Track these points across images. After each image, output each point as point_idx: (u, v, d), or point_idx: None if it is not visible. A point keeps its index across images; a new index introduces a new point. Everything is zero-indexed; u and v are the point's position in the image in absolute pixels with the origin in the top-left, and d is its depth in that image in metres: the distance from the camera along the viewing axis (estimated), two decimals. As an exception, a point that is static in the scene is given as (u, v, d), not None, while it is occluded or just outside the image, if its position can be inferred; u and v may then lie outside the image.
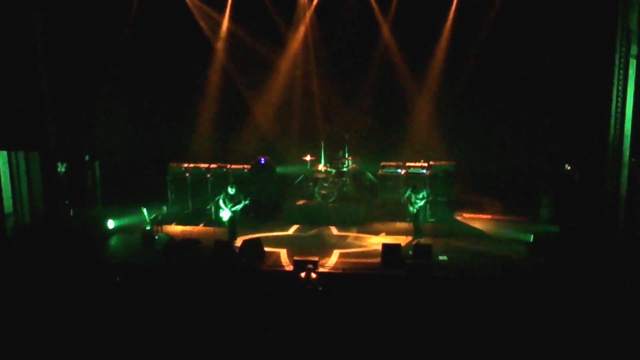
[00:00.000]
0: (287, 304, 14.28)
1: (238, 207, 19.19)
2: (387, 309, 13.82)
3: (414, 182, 20.09)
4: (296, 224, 21.04)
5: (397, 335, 12.56)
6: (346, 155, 22.49)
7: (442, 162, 21.69)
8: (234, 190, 19.23)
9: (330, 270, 16.98)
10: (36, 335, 12.66)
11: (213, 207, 20.32)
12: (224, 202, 19.14)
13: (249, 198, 19.46)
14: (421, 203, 19.26)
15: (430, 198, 19.88)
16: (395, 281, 16.12)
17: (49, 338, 12.58)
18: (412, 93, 23.74)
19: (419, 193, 19.23)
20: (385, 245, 17.80)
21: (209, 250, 17.97)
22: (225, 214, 19.15)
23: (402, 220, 20.39)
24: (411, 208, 19.31)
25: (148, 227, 19.28)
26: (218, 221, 19.73)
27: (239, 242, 18.70)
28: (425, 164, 21.76)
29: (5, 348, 12.26)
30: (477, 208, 22.33)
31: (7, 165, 19.03)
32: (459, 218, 21.36)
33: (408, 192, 19.38)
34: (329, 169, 21.94)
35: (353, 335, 12.56)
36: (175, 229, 20.63)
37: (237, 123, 24.25)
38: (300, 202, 21.90)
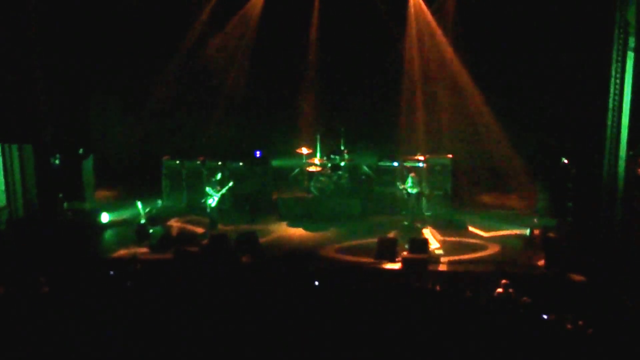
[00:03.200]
0: (285, 298, 14.19)
1: (223, 190, 19.75)
2: (382, 303, 13.76)
3: (412, 171, 20.49)
4: (291, 218, 20.96)
5: (391, 330, 12.50)
6: (342, 148, 22.37)
7: (439, 156, 21.64)
8: (219, 176, 19.91)
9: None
10: (29, 330, 12.55)
11: (207, 201, 20.29)
12: (213, 190, 19.67)
13: (232, 180, 20.10)
14: (412, 191, 19.75)
15: (427, 192, 19.98)
16: (390, 275, 16.09)
17: (42, 332, 12.47)
18: (410, 87, 23.70)
19: (412, 181, 19.86)
20: (380, 239, 17.79)
21: (204, 245, 17.93)
22: (212, 201, 19.51)
23: (399, 213, 20.48)
24: (405, 194, 19.93)
25: (142, 221, 19.19)
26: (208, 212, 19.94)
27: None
28: (422, 158, 21.68)
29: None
30: (474, 200, 22.27)
31: (0, 158, 18.93)
32: (455, 211, 21.30)
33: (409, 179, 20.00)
34: (324, 163, 21.85)
35: (347, 329, 12.50)
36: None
37: (234, 116, 24.14)
38: (285, 195, 21.91)
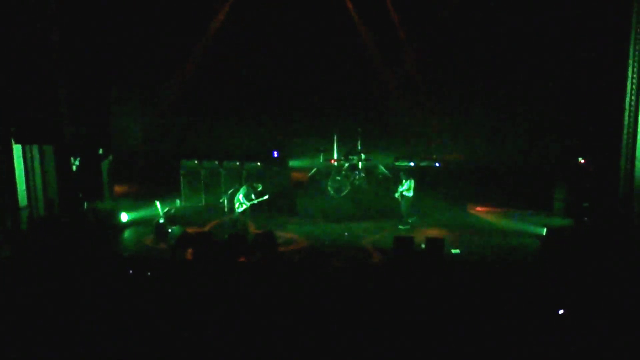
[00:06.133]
0: (299, 295, 14.31)
1: (255, 200, 19.27)
2: (396, 301, 13.84)
3: (402, 172, 20.43)
4: (309, 217, 21.04)
5: (406, 327, 12.59)
6: (359, 148, 22.43)
7: (453, 156, 21.67)
8: (260, 187, 19.37)
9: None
10: (48, 328, 12.73)
11: (226, 201, 20.31)
12: (246, 197, 19.23)
13: (267, 193, 19.48)
14: (407, 193, 19.73)
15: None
16: (405, 274, 16.15)
17: (60, 331, 12.65)
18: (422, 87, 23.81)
19: (404, 182, 19.78)
20: (397, 238, 17.82)
21: (222, 244, 18.04)
22: (241, 207, 19.21)
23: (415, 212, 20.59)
24: (397, 195, 19.92)
25: (161, 221, 19.34)
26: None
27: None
28: (437, 158, 21.71)
29: (16, 342, 12.31)
30: (489, 201, 22.23)
31: (21, 158, 19.18)
32: (471, 211, 21.34)
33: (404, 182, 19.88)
34: (341, 163, 21.92)
35: (363, 328, 12.59)
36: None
37: (249, 117, 24.33)
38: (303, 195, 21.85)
